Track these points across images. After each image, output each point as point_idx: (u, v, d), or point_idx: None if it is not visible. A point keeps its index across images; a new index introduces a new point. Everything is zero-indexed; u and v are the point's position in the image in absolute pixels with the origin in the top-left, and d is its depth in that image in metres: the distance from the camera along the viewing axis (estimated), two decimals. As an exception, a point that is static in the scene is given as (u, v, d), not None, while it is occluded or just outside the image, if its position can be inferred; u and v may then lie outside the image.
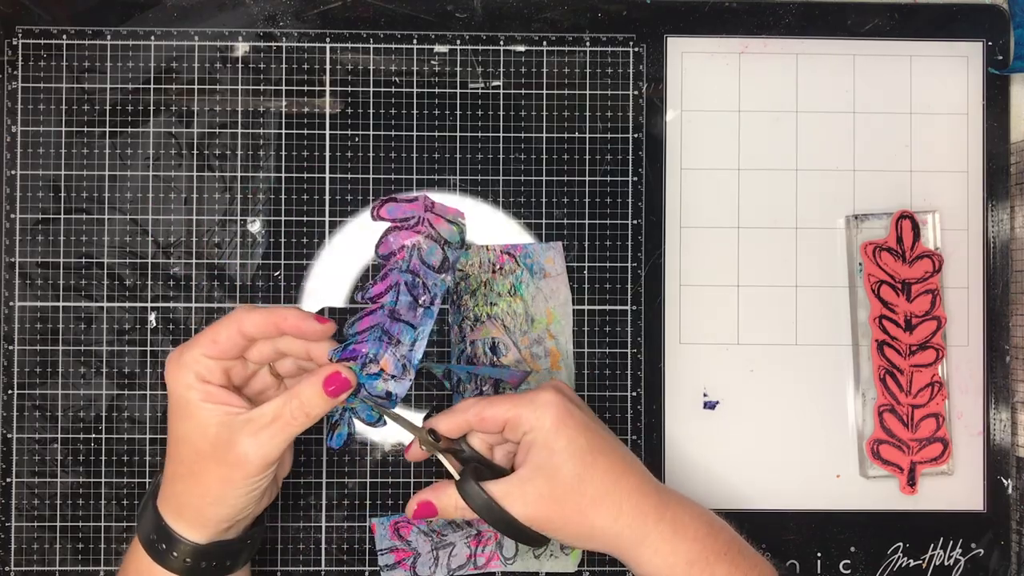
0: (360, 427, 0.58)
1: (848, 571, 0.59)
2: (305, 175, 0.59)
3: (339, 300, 0.59)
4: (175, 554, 0.48)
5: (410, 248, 0.52)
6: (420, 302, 0.52)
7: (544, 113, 0.59)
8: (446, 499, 0.50)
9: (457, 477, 0.50)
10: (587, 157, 0.59)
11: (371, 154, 0.59)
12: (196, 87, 0.59)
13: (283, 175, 0.59)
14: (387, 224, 0.54)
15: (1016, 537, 0.59)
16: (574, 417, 0.49)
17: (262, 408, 0.48)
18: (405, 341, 0.52)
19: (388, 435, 0.59)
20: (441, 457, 0.51)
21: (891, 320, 0.58)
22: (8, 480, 0.58)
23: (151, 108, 0.59)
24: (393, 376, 0.51)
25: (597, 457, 0.49)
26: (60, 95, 0.58)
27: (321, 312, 0.58)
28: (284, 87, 0.59)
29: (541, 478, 0.48)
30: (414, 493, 0.51)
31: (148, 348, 0.58)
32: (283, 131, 0.59)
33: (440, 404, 0.59)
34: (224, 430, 0.47)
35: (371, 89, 0.59)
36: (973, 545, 0.59)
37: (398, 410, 0.54)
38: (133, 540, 0.50)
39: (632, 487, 0.49)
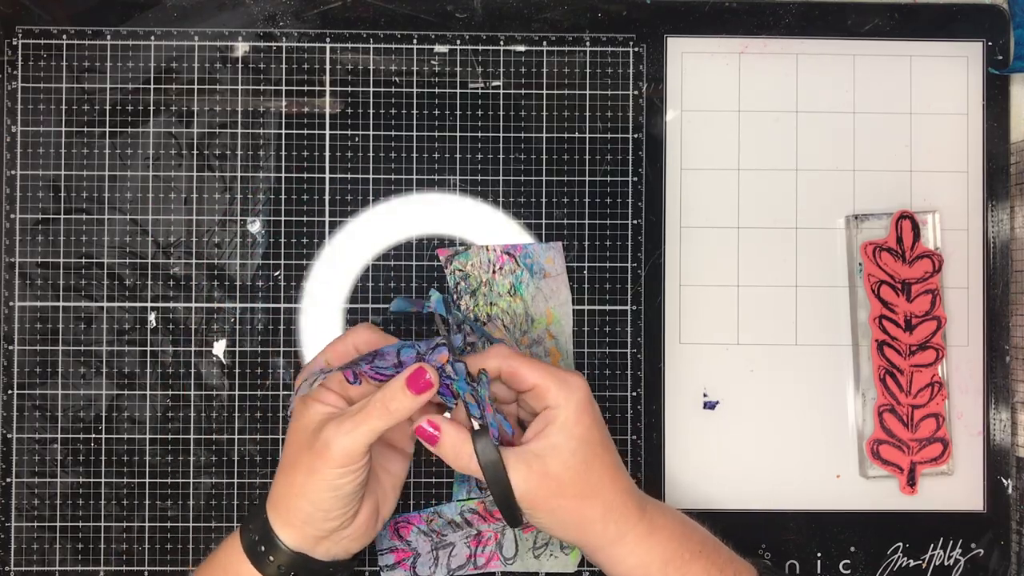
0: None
1: (848, 571, 0.59)
2: (305, 175, 0.59)
3: (338, 302, 0.59)
4: (272, 558, 0.49)
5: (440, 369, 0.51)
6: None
7: (544, 113, 0.59)
8: (453, 437, 0.49)
9: (476, 427, 0.49)
10: (587, 157, 0.59)
11: (371, 154, 0.59)
12: (196, 87, 0.59)
13: (283, 175, 0.59)
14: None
15: (1016, 537, 0.59)
16: (594, 409, 0.50)
17: (355, 405, 0.49)
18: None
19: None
20: (470, 400, 0.50)
21: (891, 320, 0.58)
22: (8, 480, 0.58)
23: (151, 108, 0.59)
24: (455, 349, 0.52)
25: (603, 452, 0.49)
26: (60, 95, 0.58)
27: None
28: (284, 87, 0.59)
29: (551, 456, 0.48)
30: (413, 428, 0.50)
31: (148, 348, 0.58)
32: (283, 131, 0.59)
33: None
34: (320, 423, 0.48)
35: (371, 89, 0.59)
36: (973, 545, 0.59)
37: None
38: (229, 537, 0.51)
39: (623, 488, 0.50)
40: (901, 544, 0.59)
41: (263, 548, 0.49)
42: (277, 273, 0.59)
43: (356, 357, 0.51)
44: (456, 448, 0.49)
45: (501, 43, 0.59)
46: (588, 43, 0.60)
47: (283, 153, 0.59)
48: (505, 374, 0.50)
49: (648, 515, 0.50)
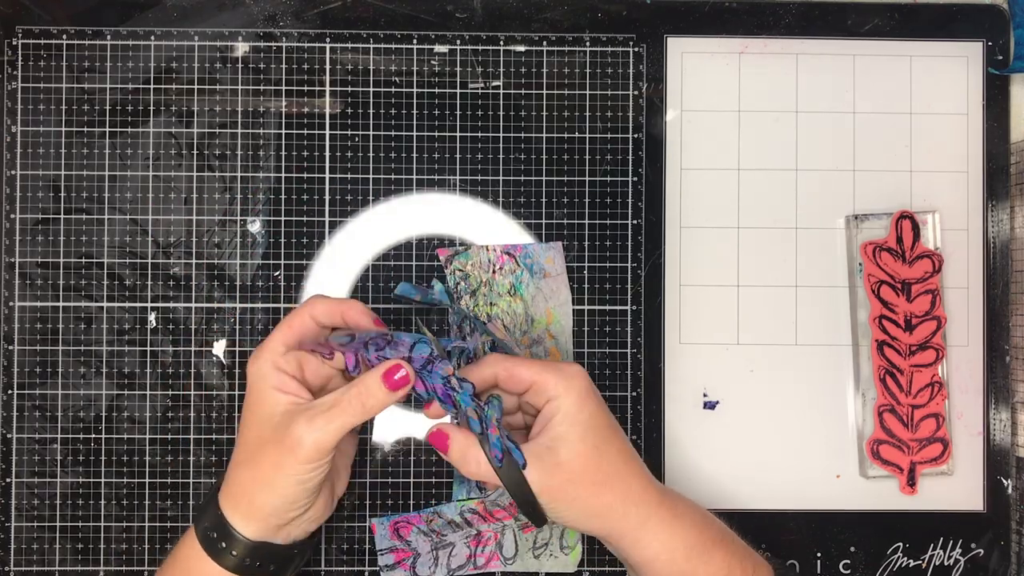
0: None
1: (848, 571, 0.59)
2: (305, 175, 0.59)
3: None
4: (225, 545, 0.48)
5: (423, 365, 0.50)
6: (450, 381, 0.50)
7: (544, 113, 0.59)
8: (462, 443, 0.49)
9: (481, 432, 0.49)
10: (587, 157, 0.59)
11: (371, 154, 0.59)
12: (196, 87, 0.59)
13: (283, 175, 0.59)
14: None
15: (1016, 537, 0.59)
16: (597, 394, 0.50)
17: (323, 398, 0.48)
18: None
19: (388, 435, 0.59)
20: (472, 414, 0.49)
21: (891, 320, 0.58)
22: (8, 480, 0.58)
23: (151, 108, 0.59)
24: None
25: (613, 437, 0.49)
26: (60, 95, 0.59)
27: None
28: (284, 87, 0.59)
29: (561, 447, 0.48)
30: (426, 436, 0.50)
31: (148, 348, 0.58)
32: (283, 131, 0.59)
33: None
34: (286, 417, 0.48)
35: (371, 89, 0.59)
36: (973, 545, 0.59)
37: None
38: (186, 532, 0.51)
39: (638, 471, 0.49)
40: (901, 544, 0.59)
41: (222, 542, 0.49)
42: (277, 273, 0.59)
43: (360, 337, 0.50)
44: (465, 454, 0.49)
45: (501, 43, 0.59)
46: (588, 43, 0.60)
47: (283, 153, 0.59)
48: (502, 378, 0.50)
49: (668, 500, 0.49)
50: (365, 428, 0.58)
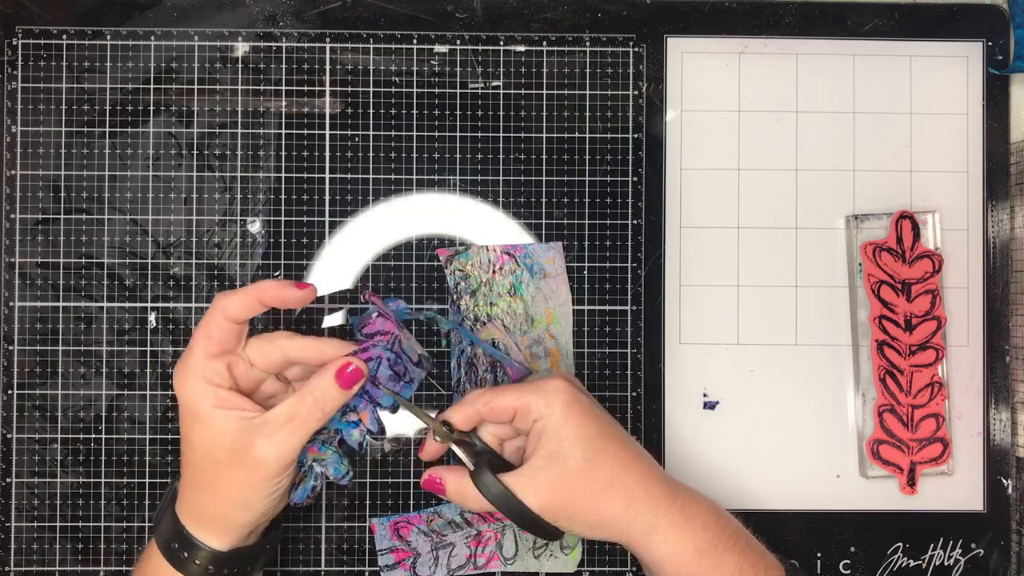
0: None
1: (848, 571, 0.59)
2: (305, 175, 0.59)
3: (339, 300, 0.59)
4: (196, 561, 0.48)
5: (393, 336, 0.51)
6: (403, 378, 0.52)
7: (544, 113, 0.59)
8: (456, 483, 0.50)
9: (472, 468, 0.50)
10: (587, 157, 0.59)
11: (371, 154, 0.59)
12: (196, 87, 0.59)
13: (283, 175, 0.59)
14: (375, 308, 0.52)
15: (1016, 537, 0.59)
16: (582, 404, 0.49)
17: (276, 410, 0.48)
18: (384, 404, 0.52)
19: (388, 435, 0.59)
20: (456, 448, 0.51)
21: (891, 320, 0.58)
22: (8, 480, 0.58)
23: (151, 108, 0.59)
24: (369, 431, 0.52)
25: (606, 443, 0.49)
26: (60, 95, 0.58)
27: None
28: (284, 87, 0.59)
29: (552, 466, 0.48)
30: (420, 483, 0.51)
31: (148, 348, 0.58)
32: (283, 131, 0.59)
33: (441, 402, 0.59)
34: (240, 436, 0.47)
35: (371, 89, 0.59)
36: (973, 545, 0.59)
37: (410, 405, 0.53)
38: (150, 543, 0.50)
39: (642, 474, 0.49)
40: (901, 544, 0.59)
41: (191, 557, 0.48)
42: (277, 273, 0.59)
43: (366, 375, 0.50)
44: (462, 493, 0.49)
45: (501, 43, 0.59)
46: (588, 43, 0.60)
47: (283, 153, 0.59)
48: (484, 412, 0.50)
49: (680, 501, 0.49)
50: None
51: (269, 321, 0.59)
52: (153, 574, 0.49)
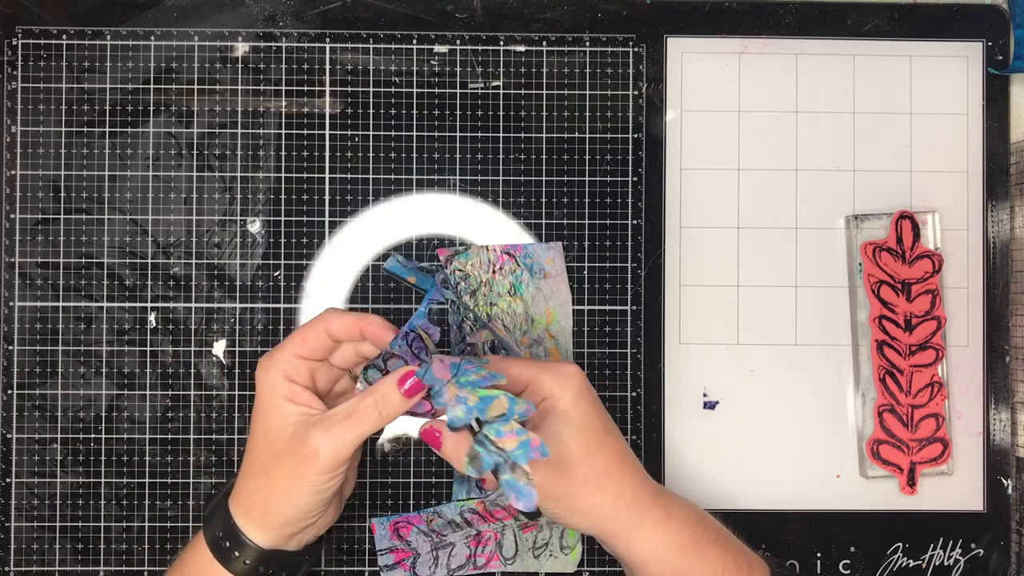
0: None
1: (848, 571, 0.59)
2: (305, 175, 0.59)
3: (338, 302, 0.59)
4: (237, 554, 0.48)
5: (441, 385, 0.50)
6: (427, 351, 0.51)
7: (544, 113, 0.59)
8: (454, 439, 0.49)
9: (477, 428, 0.49)
10: (587, 157, 0.59)
11: (371, 154, 0.59)
12: (196, 87, 0.59)
13: (283, 175, 0.59)
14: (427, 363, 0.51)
15: (1016, 537, 0.59)
16: (592, 394, 0.49)
17: (337, 408, 0.48)
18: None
19: (388, 434, 0.59)
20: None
21: (891, 320, 0.58)
22: (8, 480, 0.58)
23: (151, 108, 0.59)
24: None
25: (607, 437, 0.49)
26: (60, 95, 0.59)
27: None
28: (284, 87, 0.59)
29: (553, 444, 0.48)
30: (419, 432, 0.50)
31: (148, 348, 0.58)
32: (283, 131, 0.59)
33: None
34: (300, 428, 0.48)
35: (371, 89, 0.59)
36: (973, 545, 0.59)
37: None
38: (195, 537, 0.50)
39: (633, 471, 0.49)
40: (901, 544, 0.59)
41: (234, 551, 0.48)
42: (277, 273, 0.59)
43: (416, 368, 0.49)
44: (458, 451, 0.49)
45: (501, 43, 0.59)
46: (588, 43, 0.60)
47: (283, 153, 0.59)
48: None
49: (663, 500, 0.49)
50: (421, 452, 0.59)
51: (268, 320, 0.59)
52: (194, 566, 0.50)
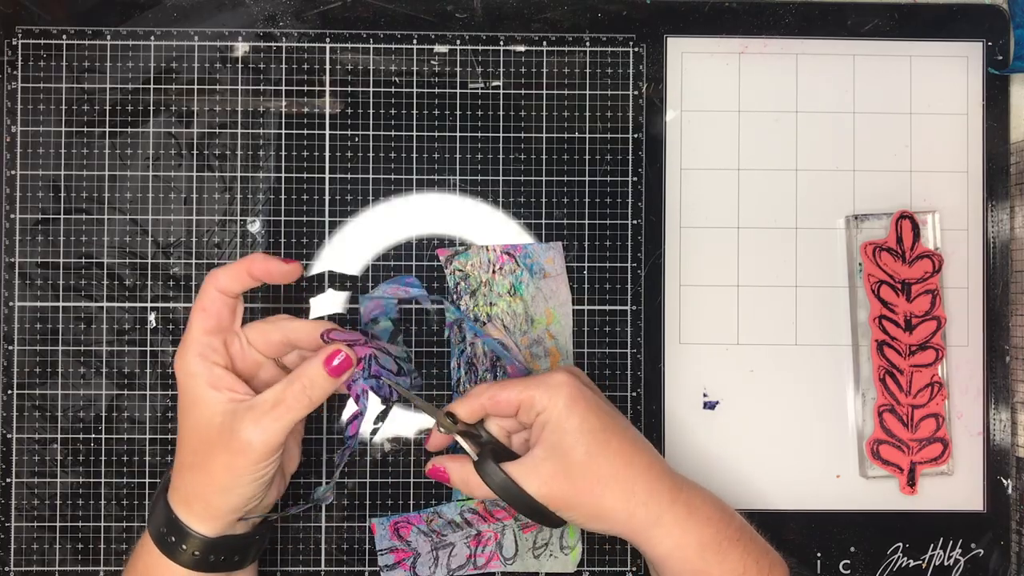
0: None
1: (848, 571, 0.59)
2: (305, 175, 0.59)
3: (338, 302, 0.59)
4: (184, 547, 0.48)
5: (367, 358, 0.51)
6: (390, 400, 0.53)
7: (544, 113, 0.59)
8: (459, 471, 0.50)
9: (475, 458, 0.50)
10: (587, 157, 0.59)
11: (371, 154, 0.59)
12: (196, 87, 0.59)
13: (283, 175, 0.59)
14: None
15: (1016, 537, 0.59)
16: (586, 398, 0.49)
17: (264, 394, 0.48)
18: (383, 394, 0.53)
19: (388, 434, 0.59)
20: (460, 439, 0.51)
21: (891, 320, 0.58)
22: (8, 480, 0.58)
23: (151, 108, 0.59)
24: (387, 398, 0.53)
25: (609, 437, 0.49)
26: (60, 95, 0.59)
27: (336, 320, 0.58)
28: (284, 87, 0.59)
29: (554, 457, 0.48)
30: (425, 471, 0.52)
31: (148, 348, 0.58)
32: (283, 131, 0.59)
33: (441, 402, 0.59)
34: (228, 418, 0.47)
35: (371, 89, 0.59)
36: (973, 545, 0.59)
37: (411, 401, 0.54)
38: (143, 534, 0.50)
39: (644, 468, 0.49)
40: (901, 544, 0.59)
41: (179, 543, 0.48)
42: (277, 273, 0.59)
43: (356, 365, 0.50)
44: (465, 480, 0.50)
45: (501, 43, 0.59)
46: (588, 43, 0.60)
47: (283, 153, 0.59)
48: (488, 406, 0.50)
49: (684, 496, 0.49)
50: (421, 452, 0.59)
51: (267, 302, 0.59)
52: (144, 564, 0.49)
